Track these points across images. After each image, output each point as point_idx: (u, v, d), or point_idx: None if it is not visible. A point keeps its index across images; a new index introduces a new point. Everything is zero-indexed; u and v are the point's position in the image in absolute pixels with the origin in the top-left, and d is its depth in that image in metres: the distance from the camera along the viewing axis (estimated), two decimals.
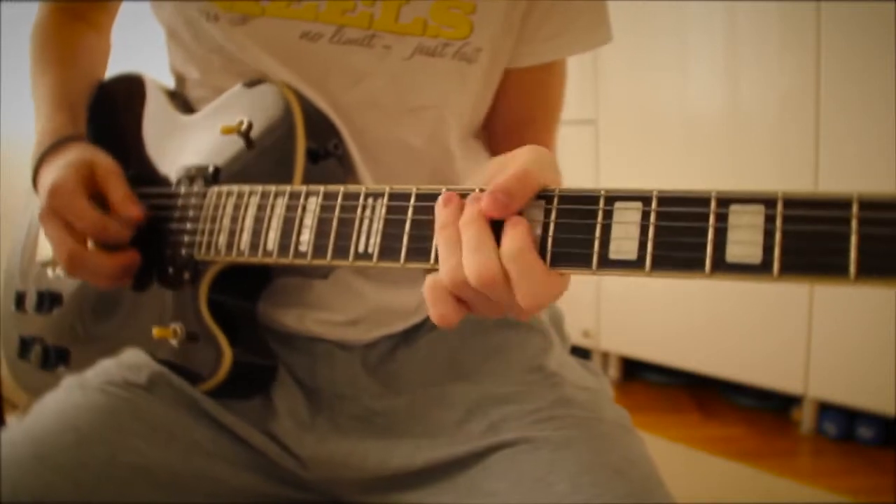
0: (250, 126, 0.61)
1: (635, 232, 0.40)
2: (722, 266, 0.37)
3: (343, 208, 0.50)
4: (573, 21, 0.68)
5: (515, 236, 0.42)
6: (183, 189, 0.64)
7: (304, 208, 0.53)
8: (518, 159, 0.44)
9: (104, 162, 0.65)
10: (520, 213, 0.43)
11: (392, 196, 0.48)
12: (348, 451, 0.62)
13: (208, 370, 0.60)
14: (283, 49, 0.62)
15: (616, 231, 0.40)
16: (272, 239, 0.54)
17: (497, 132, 0.74)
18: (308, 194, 0.53)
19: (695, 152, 1.93)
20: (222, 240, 0.58)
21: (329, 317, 0.66)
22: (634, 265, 0.39)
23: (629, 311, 2.13)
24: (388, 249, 0.47)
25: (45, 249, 0.71)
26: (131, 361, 0.62)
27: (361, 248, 0.49)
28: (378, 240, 0.48)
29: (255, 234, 0.56)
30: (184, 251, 0.62)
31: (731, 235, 0.37)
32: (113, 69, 0.80)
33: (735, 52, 1.85)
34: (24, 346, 0.74)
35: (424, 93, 0.65)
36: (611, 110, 2.11)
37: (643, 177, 2.03)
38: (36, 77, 0.74)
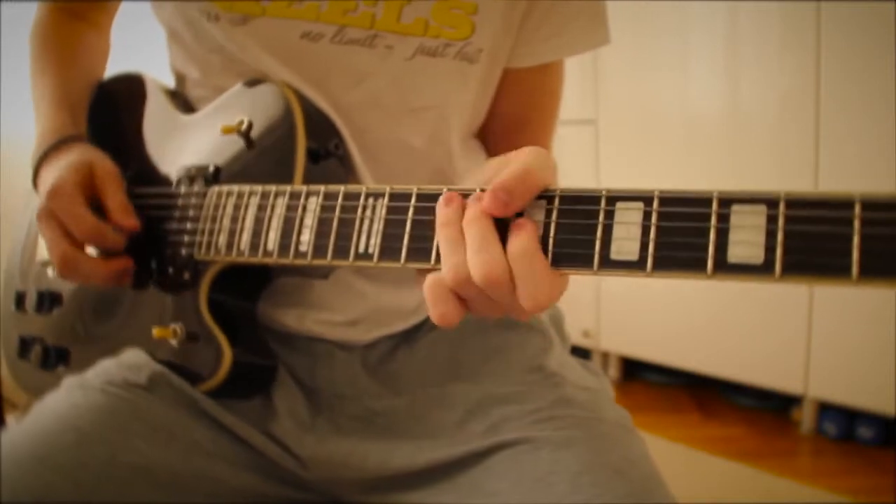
0: (250, 126, 0.61)
1: (637, 232, 0.39)
2: (724, 267, 0.37)
3: (343, 208, 0.50)
4: (572, 21, 0.68)
5: (523, 237, 0.41)
6: (183, 189, 0.64)
7: (304, 208, 0.53)
8: (518, 159, 0.44)
9: (103, 165, 0.65)
10: (521, 214, 0.43)
11: (392, 196, 0.48)
12: (348, 451, 0.62)
13: (208, 370, 0.60)
14: (283, 49, 0.62)
15: (617, 231, 0.40)
16: (272, 239, 0.54)
17: (494, 133, 0.74)
18: (308, 194, 0.53)
19: (695, 152, 1.93)
20: (222, 240, 0.58)
21: (329, 317, 0.66)
22: (636, 266, 0.39)
23: (629, 311, 2.13)
24: (389, 249, 0.47)
25: (45, 249, 0.71)
26: (131, 361, 0.62)
27: (362, 249, 0.48)
28: (378, 240, 0.48)
29: (256, 234, 0.56)
30: (184, 251, 0.62)
31: (733, 236, 0.37)
32: (112, 69, 0.80)
33: (735, 52, 1.85)
34: (24, 345, 0.74)
35: (426, 93, 0.65)
36: (611, 110, 2.11)
37: (643, 177, 2.03)
38: (36, 76, 0.74)
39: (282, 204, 0.54)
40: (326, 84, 0.63)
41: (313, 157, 0.59)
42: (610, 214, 0.41)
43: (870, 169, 1.60)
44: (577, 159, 2.16)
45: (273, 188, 0.56)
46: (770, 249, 0.36)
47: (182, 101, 0.72)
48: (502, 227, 0.43)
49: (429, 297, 0.44)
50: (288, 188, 0.55)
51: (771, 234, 0.36)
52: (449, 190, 0.46)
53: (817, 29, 1.65)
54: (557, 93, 0.74)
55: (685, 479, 1.58)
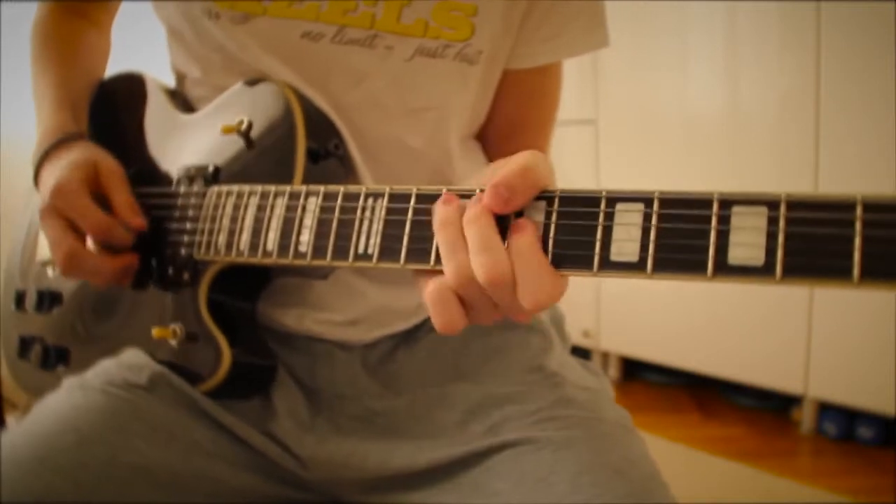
0: (250, 125, 0.61)
1: (637, 233, 0.39)
2: (724, 268, 0.37)
3: (343, 209, 0.50)
4: (572, 21, 0.68)
5: (524, 236, 0.41)
6: (183, 188, 0.64)
7: (303, 208, 0.53)
8: (516, 159, 0.44)
9: (108, 163, 0.65)
10: (520, 215, 0.43)
11: (392, 196, 0.48)
12: (349, 451, 0.62)
13: (208, 370, 0.60)
14: (284, 49, 0.62)
15: (617, 232, 0.40)
16: (272, 239, 0.54)
17: (493, 134, 0.74)
18: (308, 194, 0.53)
19: (695, 152, 1.93)
20: (222, 240, 0.58)
21: (329, 317, 0.66)
22: (636, 267, 0.39)
23: (629, 311, 2.13)
24: (388, 250, 0.47)
25: (46, 249, 0.71)
26: (131, 362, 0.62)
27: (361, 249, 0.48)
28: (378, 240, 0.48)
29: (255, 234, 0.56)
30: (183, 251, 0.62)
31: (734, 237, 0.37)
32: (113, 68, 0.80)
33: (735, 52, 1.85)
34: (24, 345, 0.74)
35: (425, 94, 0.65)
36: (611, 110, 2.11)
37: (643, 177, 2.03)
38: (37, 75, 0.74)
39: (281, 204, 0.54)
40: (326, 84, 0.63)
41: (313, 157, 0.59)
42: (610, 216, 0.40)
43: (870, 169, 1.60)
44: (577, 159, 2.16)
45: (273, 188, 0.56)
46: (771, 251, 0.36)
47: (182, 100, 0.72)
48: (502, 229, 0.43)
49: (433, 304, 0.43)
50: (287, 188, 0.55)
51: (772, 236, 0.36)
52: (448, 191, 0.46)
53: (817, 29, 1.65)
54: (556, 95, 0.74)
55: (685, 479, 1.57)
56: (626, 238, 0.40)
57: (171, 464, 0.58)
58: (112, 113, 0.75)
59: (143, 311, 0.65)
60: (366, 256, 0.48)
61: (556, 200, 0.42)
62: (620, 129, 2.10)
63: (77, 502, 0.53)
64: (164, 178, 0.67)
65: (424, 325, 0.70)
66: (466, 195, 0.45)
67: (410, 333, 0.70)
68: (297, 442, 0.63)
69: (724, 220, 0.37)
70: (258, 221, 0.56)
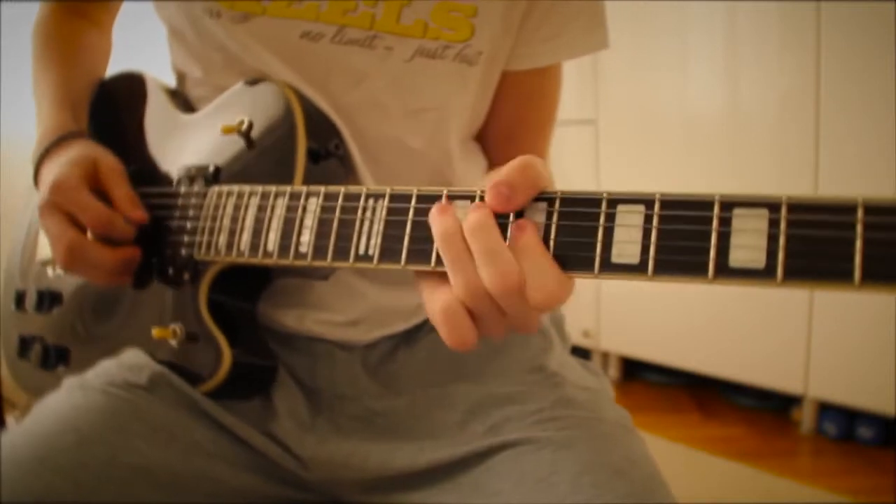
0: (251, 126, 0.61)
1: (638, 235, 0.39)
2: (725, 271, 0.37)
3: (343, 209, 0.50)
4: (572, 21, 0.68)
5: (526, 235, 0.41)
6: (183, 188, 0.64)
7: (304, 209, 0.52)
8: (515, 160, 0.44)
9: (107, 160, 0.64)
10: (521, 216, 0.43)
11: (393, 197, 0.48)
12: (349, 451, 0.62)
13: (208, 371, 0.60)
14: (283, 48, 0.62)
15: (618, 234, 0.40)
16: (272, 240, 0.54)
17: (492, 135, 0.74)
18: (308, 195, 0.53)
19: (695, 152, 1.93)
20: (222, 240, 0.58)
21: (329, 317, 0.66)
22: (637, 269, 0.39)
23: (629, 311, 2.13)
24: (389, 251, 0.47)
25: (46, 248, 0.71)
26: (132, 362, 0.62)
27: (362, 250, 0.48)
28: (378, 241, 0.48)
29: (256, 234, 0.55)
30: (184, 251, 0.62)
31: (735, 240, 0.37)
32: (114, 68, 0.80)
33: (735, 52, 1.85)
34: (24, 345, 0.74)
35: (425, 95, 0.65)
36: (611, 110, 2.11)
37: (643, 177, 2.03)
38: (37, 75, 0.74)
39: (282, 204, 0.54)
40: (326, 84, 0.63)
41: (314, 157, 0.59)
42: (611, 217, 0.40)
43: (870, 169, 1.60)
44: (577, 159, 2.16)
45: (273, 188, 0.56)
46: (772, 254, 0.36)
47: (182, 100, 0.72)
48: (503, 231, 0.42)
49: (445, 321, 0.43)
50: (288, 189, 0.55)
51: (773, 239, 0.36)
52: (449, 193, 0.45)
53: (817, 29, 1.66)
54: (556, 96, 0.74)
55: (685, 479, 1.58)
56: (627, 240, 0.39)
57: (172, 464, 0.58)
58: (113, 112, 0.75)
59: (143, 311, 0.65)
60: (366, 257, 0.48)
61: (557, 201, 0.42)
62: (620, 129, 2.10)
63: (77, 502, 0.53)
64: (164, 178, 0.67)
65: (425, 326, 0.70)
66: (466, 197, 0.45)
67: (411, 333, 0.70)
68: (298, 442, 0.63)
69: (726, 222, 0.37)
70: (259, 222, 0.56)
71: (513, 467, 0.57)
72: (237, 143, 0.62)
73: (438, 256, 0.44)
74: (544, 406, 0.61)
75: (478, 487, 0.57)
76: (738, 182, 1.81)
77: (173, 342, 0.61)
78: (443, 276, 0.44)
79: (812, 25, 1.66)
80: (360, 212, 0.49)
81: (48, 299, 0.72)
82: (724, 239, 0.37)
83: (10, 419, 1.36)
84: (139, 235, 0.64)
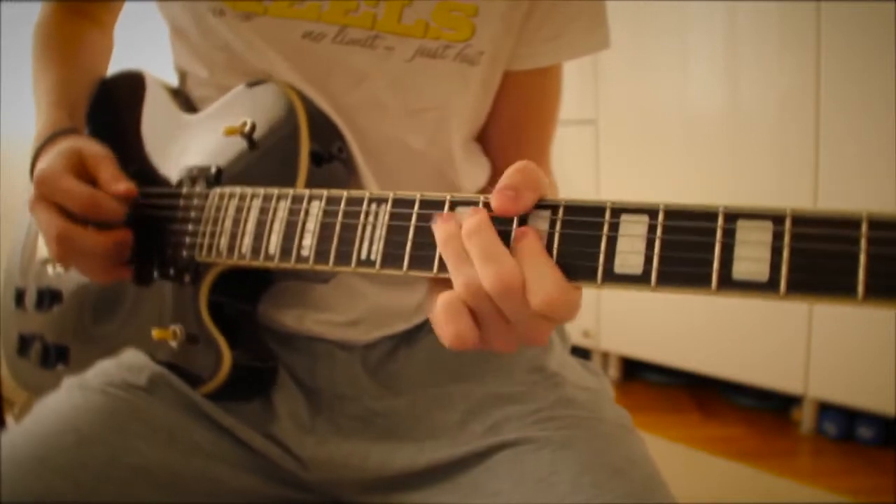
0: (253, 127, 0.60)
1: (641, 245, 0.39)
2: (728, 283, 0.37)
3: (346, 214, 0.50)
4: (573, 21, 0.68)
5: (527, 240, 0.41)
6: (185, 189, 0.64)
7: (306, 212, 0.52)
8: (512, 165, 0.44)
9: (93, 148, 0.64)
10: (524, 223, 0.43)
11: (396, 202, 0.48)
12: (349, 451, 0.62)
13: (208, 373, 0.60)
14: (285, 48, 0.62)
15: (621, 244, 0.40)
16: (274, 243, 0.54)
17: (494, 136, 0.74)
18: (311, 198, 0.53)
19: (695, 152, 1.93)
20: (224, 242, 0.58)
21: (329, 317, 0.66)
22: (640, 280, 0.39)
23: (629, 311, 2.13)
24: (391, 256, 0.47)
25: (44, 244, 0.71)
26: (131, 362, 0.62)
27: (364, 255, 0.48)
28: (381, 246, 0.47)
29: (257, 237, 0.55)
30: (185, 252, 0.62)
31: (738, 251, 0.37)
32: (115, 68, 0.80)
33: (735, 52, 1.85)
34: (24, 343, 0.74)
35: (426, 94, 0.65)
36: (611, 110, 2.11)
37: (643, 177, 2.03)
38: (38, 74, 0.74)
39: (284, 207, 0.54)
40: (327, 84, 0.63)
41: (316, 159, 0.59)
42: (614, 227, 0.40)
43: (870, 169, 1.60)
44: (577, 159, 2.16)
45: (275, 191, 0.55)
46: (775, 267, 0.35)
47: (184, 99, 0.72)
48: (506, 242, 0.42)
49: (443, 315, 0.43)
50: (290, 191, 0.54)
51: (776, 251, 0.36)
52: (452, 199, 0.45)
53: (817, 29, 1.66)
54: (557, 96, 0.74)
55: (685, 479, 1.58)
56: (630, 250, 0.39)
57: (172, 464, 0.58)
58: (114, 111, 0.75)
59: (143, 311, 0.65)
60: (369, 262, 0.48)
61: (560, 210, 0.42)
62: (620, 129, 2.10)
63: (77, 502, 0.53)
64: (165, 178, 0.67)
65: (425, 326, 0.70)
66: (469, 203, 0.45)
67: (411, 334, 0.70)
68: (298, 443, 0.63)
69: (729, 234, 0.37)
70: (260, 224, 0.55)
71: (512, 467, 0.57)
72: (239, 145, 0.61)
73: (441, 263, 0.44)
74: (544, 406, 0.61)
75: (477, 487, 0.57)
76: (738, 182, 1.81)
77: (173, 343, 0.61)
78: (449, 283, 0.44)
79: (812, 25, 1.66)
80: (362, 216, 0.49)
81: (48, 298, 0.73)
82: (728, 251, 0.37)
83: (9, 418, 1.36)
84: (140, 234, 0.64)
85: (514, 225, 0.43)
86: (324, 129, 0.61)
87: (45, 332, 0.73)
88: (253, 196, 0.57)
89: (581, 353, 0.77)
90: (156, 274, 0.65)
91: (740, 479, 1.66)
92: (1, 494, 0.51)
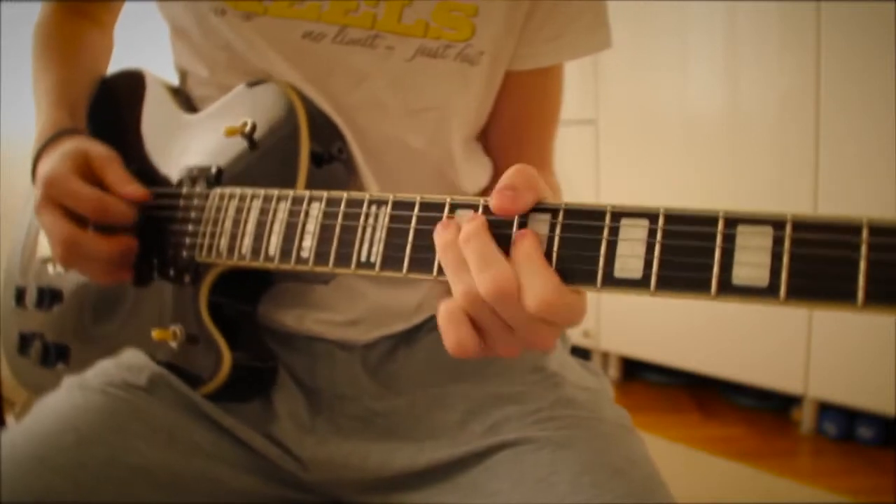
0: (254, 127, 0.61)
1: (641, 250, 0.39)
2: (728, 288, 0.37)
3: (346, 215, 0.50)
4: (574, 21, 0.68)
5: (525, 242, 0.41)
6: (185, 189, 0.64)
7: (306, 214, 0.52)
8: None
9: (99, 150, 0.64)
10: (524, 226, 0.43)
11: (396, 204, 0.48)
12: (348, 451, 0.62)
13: (208, 373, 0.60)
14: (286, 48, 0.62)
15: (621, 248, 0.40)
16: (274, 244, 0.54)
17: (495, 136, 0.74)
18: (311, 200, 0.53)
19: (695, 152, 1.93)
20: (224, 243, 0.58)
21: (329, 317, 0.66)
22: (639, 284, 0.39)
23: (629, 311, 2.13)
24: (391, 259, 0.47)
25: (46, 246, 0.71)
26: (131, 362, 0.62)
27: (364, 257, 0.48)
28: (381, 248, 0.47)
29: (257, 238, 0.55)
30: (185, 252, 0.62)
31: (738, 257, 0.36)
32: (115, 68, 0.80)
33: (735, 52, 1.85)
34: (24, 342, 0.74)
35: (426, 94, 0.65)
36: (611, 110, 2.11)
37: (643, 177, 2.03)
38: (38, 74, 0.74)
39: (284, 208, 0.54)
40: (328, 84, 0.63)
41: (316, 160, 0.59)
42: (614, 231, 0.40)
43: (870, 169, 1.60)
44: (577, 159, 2.16)
45: (275, 192, 0.55)
46: (775, 272, 0.35)
47: (184, 98, 0.72)
48: (506, 245, 0.42)
49: (443, 324, 0.43)
50: (290, 193, 0.54)
51: (776, 257, 0.35)
52: (452, 201, 0.45)
53: (817, 29, 1.66)
54: (558, 96, 0.74)
55: (685, 479, 1.58)
56: (630, 254, 0.39)
57: (171, 465, 0.58)
58: (114, 110, 0.75)
59: (143, 310, 0.65)
60: (368, 264, 0.48)
61: (561, 213, 0.42)
62: (620, 129, 2.10)
63: (76, 502, 0.53)
64: (165, 178, 0.67)
65: (424, 326, 0.70)
66: (469, 206, 0.45)
67: (410, 334, 0.70)
68: (298, 443, 0.63)
69: (729, 239, 0.37)
70: (260, 225, 0.55)
71: (512, 467, 0.57)
72: (240, 145, 0.61)
73: (440, 266, 0.44)
74: (544, 406, 0.61)
75: (477, 487, 0.57)
76: (738, 182, 1.81)
77: (173, 344, 0.61)
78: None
79: (812, 25, 1.66)
80: (362, 218, 0.49)
81: (48, 296, 0.73)
82: (728, 256, 0.37)
83: (9, 418, 1.36)
84: (141, 234, 0.64)
85: (514, 229, 0.43)
86: (324, 129, 0.61)
87: (46, 331, 0.73)
88: (253, 197, 0.57)
89: (581, 353, 0.77)
90: (156, 274, 0.65)
91: (740, 479, 1.66)
92: (1, 494, 0.51)
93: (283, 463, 0.62)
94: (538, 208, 0.43)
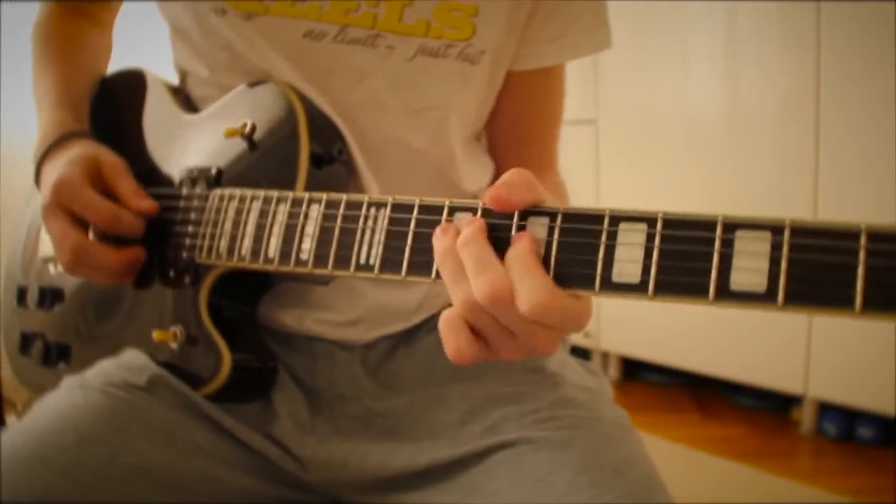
0: (254, 128, 0.60)
1: (639, 254, 0.39)
2: (726, 293, 0.36)
3: (345, 218, 0.50)
4: (576, 20, 0.68)
5: (520, 245, 0.41)
6: (185, 190, 0.64)
7: (306, 216, 0.52)
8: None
9: (110, 158, 0.64)
10: (523, 229, 0.43)
11: (395, 207, 0.48)
12: (348, 451, 0.62)
13: (208, 374, 0.60)
14: (286, 48, 0.62)
15: (620, 253, 0.40)
16: (273, 246, 0.54)
17: (497, 136, 0.74)
18: (310, 201, 0.53)
19: (695, 152, 1.93)
20: (223, 244, 0.58)
21: (329, 317, 0.66)
22: (637, 289, 0.39)
23: (629, 311, 2.13)
24: (390, 261, 0.47)
25: (47, 246, 0.71)
26: (131, 363, 0.62)
27: (363, 259, 0.48)
28: (380, 251, 0.47)
29: (257, 240, 0.55)
30: (185, 254, 0.62)
31: (737, 262, 0.36)
32: (115, 67, 0.80)
33: (735, 52, 1.85)
34: (26, 341, 0.74)
35: (427, 94, 0.65)
36: (611, 110, 2.11)
37: (643, 177, 2.03)
38: (38, 74, 0.74)
39: (283, 210, 0.54)
40: (328, 84, 0.63)
41: (316, 161, 0.59)
42: (613, 235, 0.40)
43: (870, 169, 1.60)
44: (577, 159, 2.16)
45: (275, 194, 0.55)
46: (773, 277, 0.35)
47: (185, 98, 0.72)
48: (505, 249, 0.42)
49: (443, 331, 0.43)
50: (290, 195, 0.54)
51: (775, 262, 0.35)
52: (451, 204, 0.45)
53: (817, 29, 1.65)
54: (560, 96, 0.74)
55: (685, 479, 1.58)
56: (629, 259, 0.39)
57: (171, 465, 0.58)
58: (114, 110, 0.75)
59: (144, 311, 0.65)
60: (367, 267, 0.48)
61: (559, 217, 0.42)
62: (620, 129, 2.10)
63: (76, 502, 0.53)
64: (165, 178, 0.67)
65: (424, 326, 0.70)
66: (468, 209, 0.45)
67: (410, 333, 0.70)
68: (298, 443, 0.63)
69: (728, 244, 0.37)
70: (260, 227, 0.55)
71: (511, 467, 0.57)
72: (240, 146, 0.61)
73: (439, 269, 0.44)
74: (543, 406, 0.61)
75: (476, 487, 0.57)
76: (737, 182, 1.81)
77: (173, 345, 0.61)
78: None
79: (812, 25, 1.66)
80: (361, 220, 0.49)
81: (50, 296, 0.73)
82: (726, 261, 0.37)
83: (10, 418, 1.36)
84: (141, 236, 0.64)
85: (513, 232, 0.43)
86: (324, 130, 0.61)
87: (47, 331, 0.73)
88: (253, 198, 0.57)
89: (581, 353, 0.77)
90: (156, 275, 0.65)
91: (740, 479, 1.66)
92: (1, 493, 0.51)
93: (282, 463, 0.62)
94: (536, 211, 0.43)
